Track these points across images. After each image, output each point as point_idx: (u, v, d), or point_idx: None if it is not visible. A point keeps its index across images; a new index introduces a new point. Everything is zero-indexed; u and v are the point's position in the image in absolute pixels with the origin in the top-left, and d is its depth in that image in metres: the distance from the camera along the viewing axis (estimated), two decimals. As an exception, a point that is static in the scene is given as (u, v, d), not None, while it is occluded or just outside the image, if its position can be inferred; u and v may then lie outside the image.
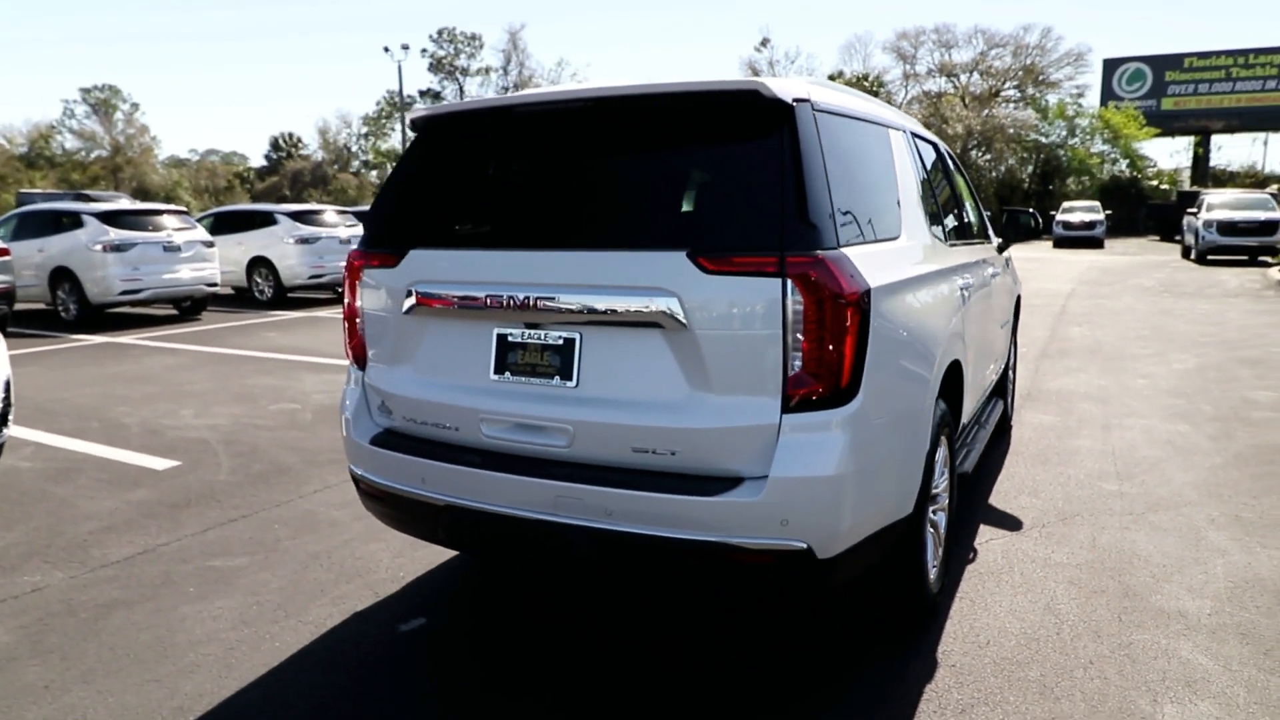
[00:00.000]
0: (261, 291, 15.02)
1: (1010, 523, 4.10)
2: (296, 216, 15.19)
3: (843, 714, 2.60)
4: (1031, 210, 5.38)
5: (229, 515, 4.35)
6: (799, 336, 2.21)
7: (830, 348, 2.21)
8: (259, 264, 15.04)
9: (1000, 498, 4.46)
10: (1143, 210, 35.61)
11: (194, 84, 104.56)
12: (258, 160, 67.19)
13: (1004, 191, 41.80)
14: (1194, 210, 22.03)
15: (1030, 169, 43.26)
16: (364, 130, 63.97)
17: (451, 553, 3.83)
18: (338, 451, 5.43)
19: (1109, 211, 31.31)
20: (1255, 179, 37.92)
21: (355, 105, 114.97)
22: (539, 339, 2.52)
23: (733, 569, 2.32)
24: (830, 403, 2.25)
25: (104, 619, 3.25)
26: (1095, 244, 28.88)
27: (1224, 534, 3.89)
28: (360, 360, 2.98)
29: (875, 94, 49.98)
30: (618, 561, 2.44)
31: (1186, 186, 37.89)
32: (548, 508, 2.43)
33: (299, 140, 66.00)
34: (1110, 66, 42.04)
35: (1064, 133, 42.27)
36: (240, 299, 15.22)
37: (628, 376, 2.41)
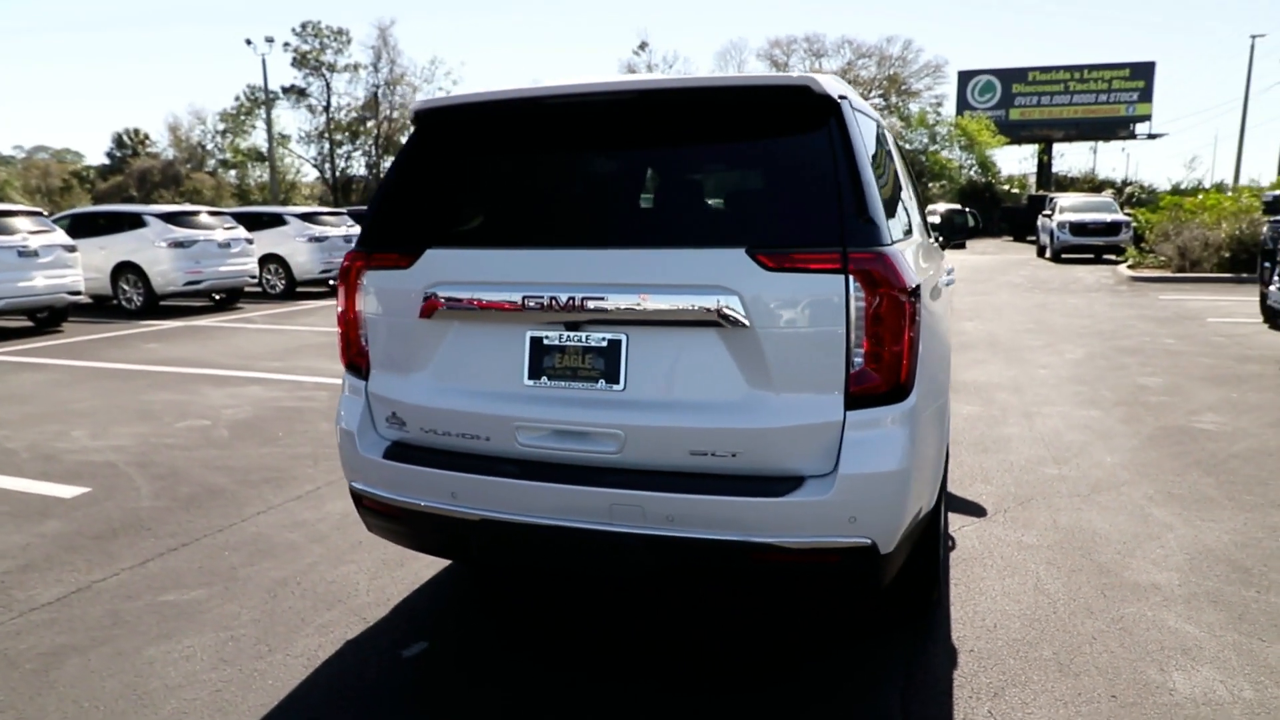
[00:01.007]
0: (130, 300, 13.87)
1: (975, 509, 4.28)
2: (168, 218, 14.12)
3: (883, 703, 2.62)
4: (970, 210, 5.64)
5: (167, 544, 3.96)
6: (861, 333, 2.21)
7: (891, 344, 2.22)
8: (126, 270, 13.88)
9: (957, 485, 4.64)
10: (997, 213, 38.22)
11: (17, 78, 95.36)
12: (96, 158, 62.07)
13: (872, 195, 43.70)
14: (1048, 213, 23.83)
15: (896, 174, 45.47)
16: (221, 127, 60.23)
17: (433, 571, 3.63)
18: (271, 470, 5.07)
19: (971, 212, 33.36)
20: (1092, 184, 41.42)
21: (211, 101, 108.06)
22: (579, 341, 2.41)
23: (797, 569, 2.29)
24: (890, 398, 2.26)
25: (55, 669, 2.88)
26: (958, 244, 30.75)
27: (1165, 510, 4.20)
28: (360, 368, 2.77)
29: (750, 100, 51.36)
30: (677, 568, 2.36)
31: (1034, 191, 40.99)
32: (602, 517, 2.33)
33: (146, 137, 61.35)
34: (964, 78, 44.91)
35: (926, 140, 44.86)
36: (102, 308, 13.98)
37: (681, 378, 2.34)
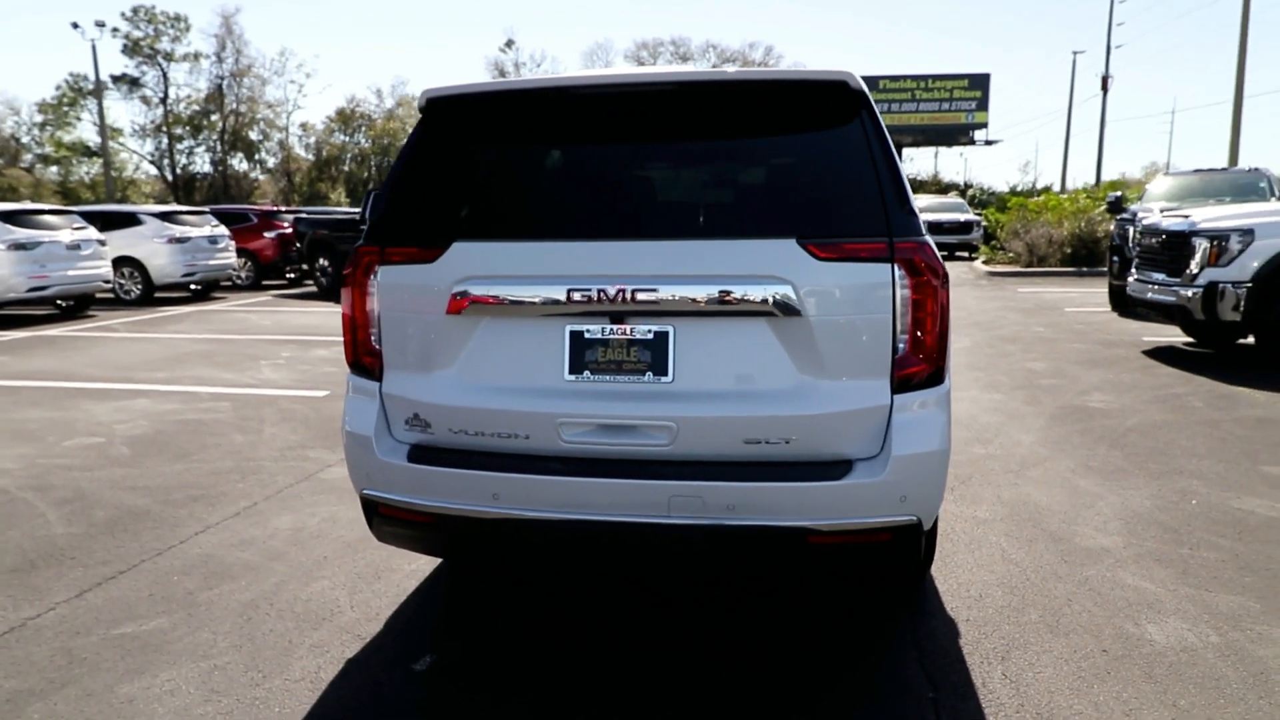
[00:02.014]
0: (-40, 309, 12.42)
1: (925, 489, 4.52)
2: (6, 218, 12.73)
3: (905, 673, 2.73)
4: None
5: (101, 573, 3.59)
6: (905, 319, 2.31)
7: (931, 330, 2.33)
8: (-45, 276, 12.40)
9: (901, 468, 4.88)
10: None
11: None
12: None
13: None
14: (906, 212, 25.38)
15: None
16: (40, 119, 54.74)
17: (416, 581, 3.48)
18: (195, 488, 4.69)
19: None
20: (939, 186, 44.42)
21: (26, 91, 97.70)
22: (624, 334, 2.38)
23: (851, 550, 2.36)
24: (930, 382, 2.37)
25: (16, 716, 2.57)
26: None
27: (1089, 481, 4.59)
28: (371, 369, 2.62)
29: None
30: (734, 556, 2.38)
31: (886, 192, 43.49)
32: (660, 510, 2.31)
33: (-52, 129, 54.92)
34: (820, 85, 47.11)
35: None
36: (-73, 319, 12.46)
37: (730, 367, 2.36)
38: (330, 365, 8.40)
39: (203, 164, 53.35)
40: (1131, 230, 10.83)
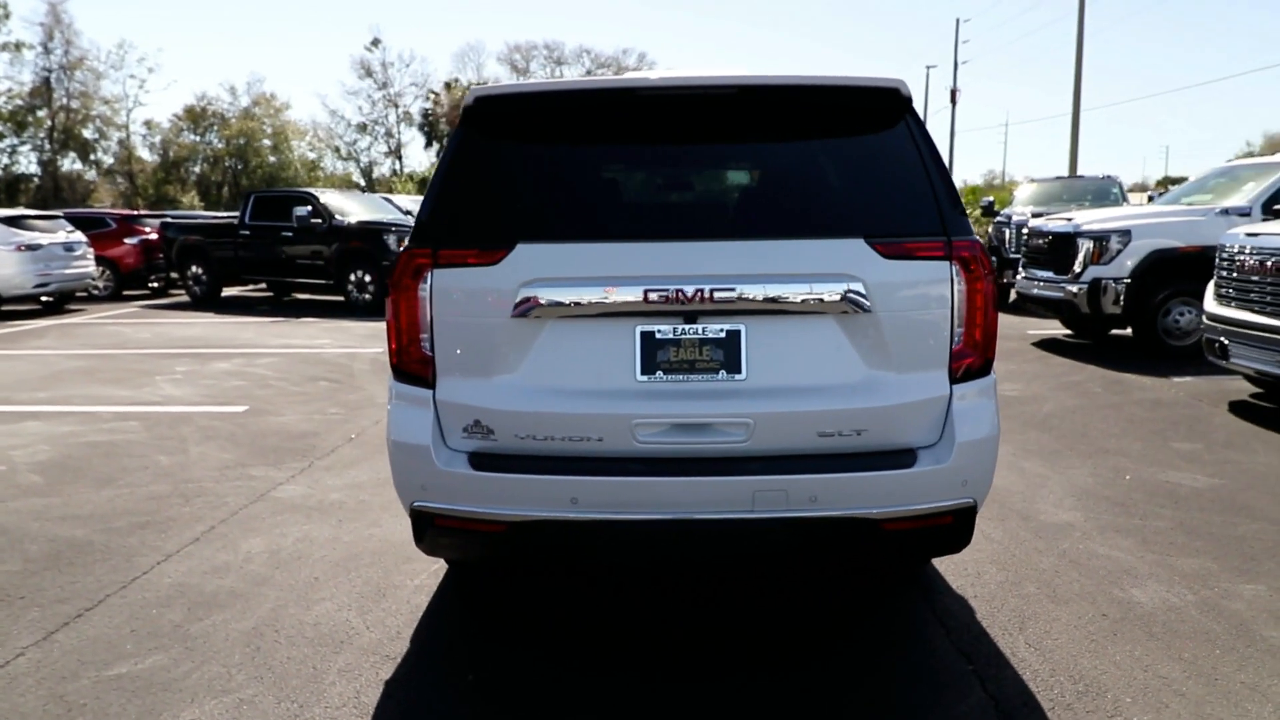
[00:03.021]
0: None
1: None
2: (8, 222, 11.31)
3: (937, 646, 2.89)
4: None
5: (64, 611, 3.26)
6: (961, 314, 2.45)
7: (981, 323, 2.48)
8: None
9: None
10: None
11: None
12: None
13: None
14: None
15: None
16: None
17: (427, 594, 3.36)
18: (136, 514, 4.33)
19: None
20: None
21: None
22: (696, 334, 2.41)
23: (917, 535, 2.47)
24: (980, 373, 2.52)
25: (30, 776, 2.30)
26: None
27: (1032, 464, 4.96)
28: (421, 376, 2.52)
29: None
30: (811, 546, 2.45)
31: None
32: (744, 505, 2.35)
33: None
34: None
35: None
36: None
37: (801, 363, 2.42)
38: (238, 379, 7.90)
39: (29, 164, 48.60)
40: (1008, 232, 11.73)
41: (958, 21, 43.29)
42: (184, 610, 3.27)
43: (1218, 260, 6.21)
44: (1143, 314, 8.00)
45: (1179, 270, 7.86)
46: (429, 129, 52.66)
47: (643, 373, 2.41)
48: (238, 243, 14.63)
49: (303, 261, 14.06)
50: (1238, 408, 6.22)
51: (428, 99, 52.32)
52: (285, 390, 7.41)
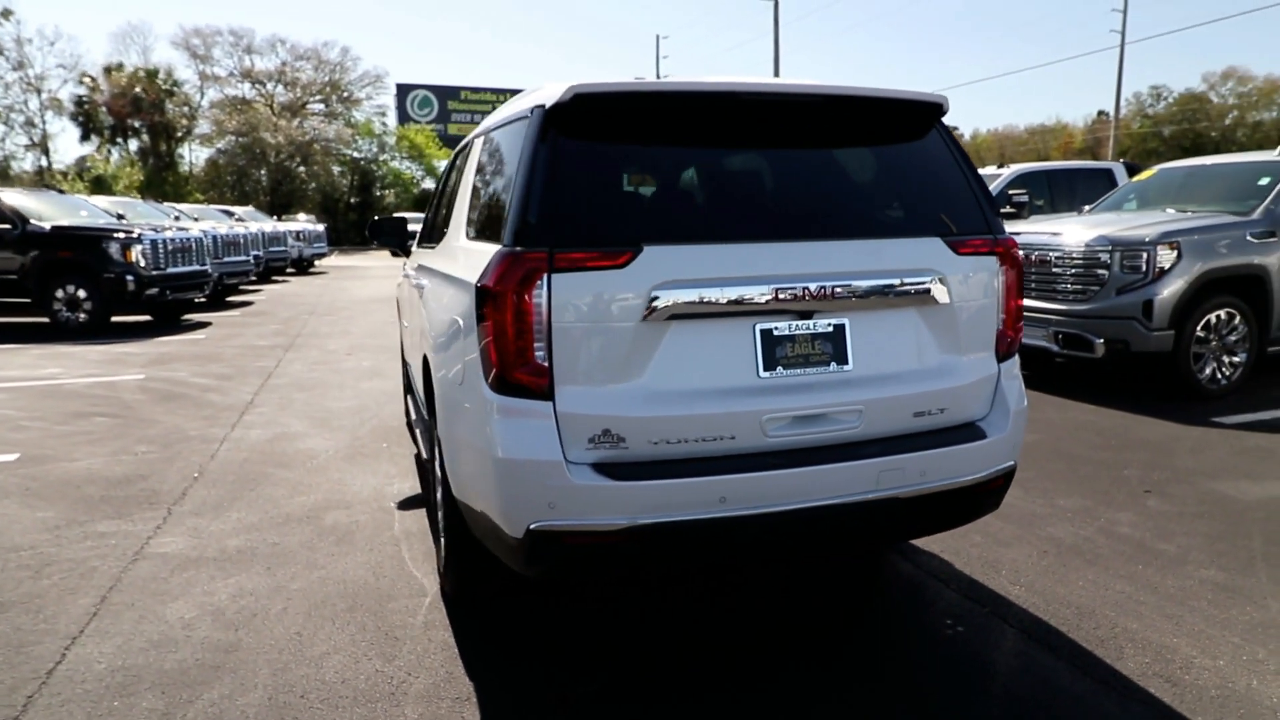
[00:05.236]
0: None
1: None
2: None
3: (949, 603, 3.26)
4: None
5: (27, 674, 2.54)
6: (1003, 301, 2.82)
7: (1013, 309, 2.88)
8: None
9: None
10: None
11: None
12: None
13: (328, 203, 42.88)
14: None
15: (349, 182, 45.21)
16: None
17: (444, 630, 3.09)
18: (95, 555, 3.43)
19: None
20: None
21: None
22: (808, 329, 2.52)
23: (986, 495, 2.80)
24: (1011, 352, 2.92)
25: None
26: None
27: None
28: (535, 388, 2.34)
29: (171, 94, 45.30)
30: (925, 516, 2.67)
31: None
32: (869, 486, 2.51)
33: None
34: (403, 91, 46.57)
35: (375, 149, 45.35)
36: None
37: (893, 351, 2.64)
38: (-23, 421, 6.38)
39: None
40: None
41: (658, 38, 46.33)
42: (157, 695, 2.69)
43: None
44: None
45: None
46: (86, 119, 45.23)
47: (765, 369, 2.48)
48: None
49: (-14, 276, 11.53)
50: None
51: (81, 83, 44.92)
52: (53, 431, 6.14)
